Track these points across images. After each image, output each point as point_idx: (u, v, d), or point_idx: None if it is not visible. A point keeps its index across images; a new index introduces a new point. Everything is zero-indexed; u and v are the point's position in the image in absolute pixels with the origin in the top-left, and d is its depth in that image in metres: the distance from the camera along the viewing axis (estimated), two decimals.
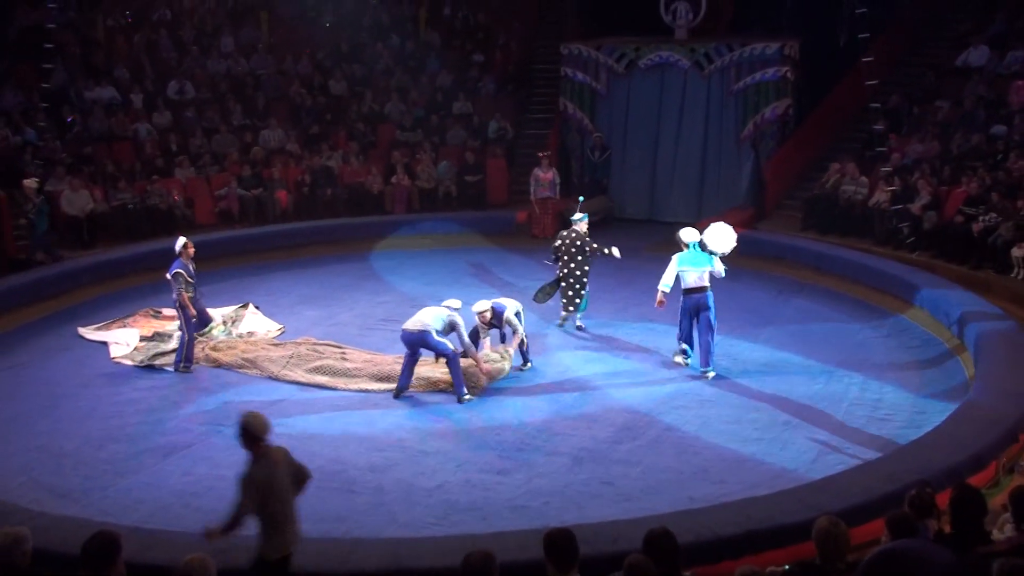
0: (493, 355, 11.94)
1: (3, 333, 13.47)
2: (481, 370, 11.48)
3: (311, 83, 21.97)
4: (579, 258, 13.36)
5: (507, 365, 11.99)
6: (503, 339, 12.29)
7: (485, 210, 19.88)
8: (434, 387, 11.57)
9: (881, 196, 16.47)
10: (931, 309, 13.40)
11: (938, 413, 10.29)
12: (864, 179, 17.10)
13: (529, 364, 12.23)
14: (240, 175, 18.91)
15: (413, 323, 11.27)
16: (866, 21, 18.01)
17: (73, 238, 16.82)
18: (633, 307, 14.52)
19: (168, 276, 12.05)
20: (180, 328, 12.26)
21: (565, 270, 13.44)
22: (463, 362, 11.40)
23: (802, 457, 9.71)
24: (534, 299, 13.68)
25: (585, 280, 13.41)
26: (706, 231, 11.99)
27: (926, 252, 15.42)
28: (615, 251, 13.37)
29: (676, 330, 12.17)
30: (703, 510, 8.04)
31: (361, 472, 9.51)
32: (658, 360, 12.44)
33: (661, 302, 11.98)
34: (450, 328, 11.34)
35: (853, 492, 7.91)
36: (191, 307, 12.02)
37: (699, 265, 11.72)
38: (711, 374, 11.76)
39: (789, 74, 18.78)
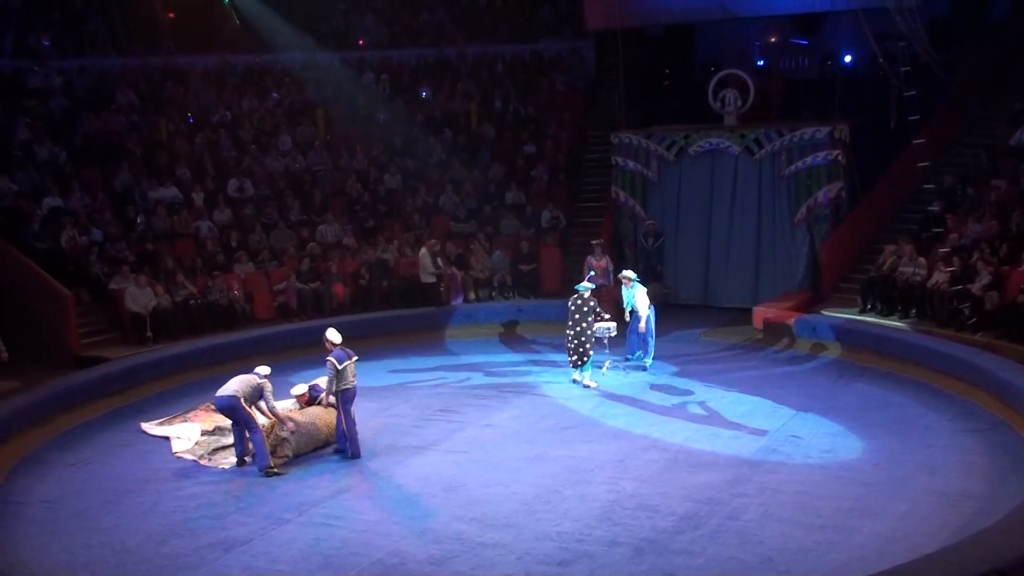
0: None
1: (67, 430, 13.68)
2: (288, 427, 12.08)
3: (366, 178, 22.43)
4: (589, 319, 14.90)
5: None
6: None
7: (540, 298, 19.95)
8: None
9: (940, 277, 16.28)
10: (997, 391, 13.12)
11: (1009, 499, 10.00)
12: (922, 260, 16.91)
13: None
14: (298, 269, 19.24)
15: (224, 390, 11.93)
16: (916, 103, 18.09)
17: (136, 334, 17.13)
18: (692, 393, 14.51)
19: None
20: None
21: (577, 328, 14.91)
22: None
23: (869, 546, 9.47)
24: (573, 364, 15.15)
25: (593, 337, 14.97)
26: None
27: (989, 333, 15.15)
28: (610, 326, 15.58)
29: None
30: None
31: (420, 565, 9.43)
32: (716, 446, 12.30)
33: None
34: (258, 395, 11.95)
35: None
36: None
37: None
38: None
39: (840, 157, 18.78)
